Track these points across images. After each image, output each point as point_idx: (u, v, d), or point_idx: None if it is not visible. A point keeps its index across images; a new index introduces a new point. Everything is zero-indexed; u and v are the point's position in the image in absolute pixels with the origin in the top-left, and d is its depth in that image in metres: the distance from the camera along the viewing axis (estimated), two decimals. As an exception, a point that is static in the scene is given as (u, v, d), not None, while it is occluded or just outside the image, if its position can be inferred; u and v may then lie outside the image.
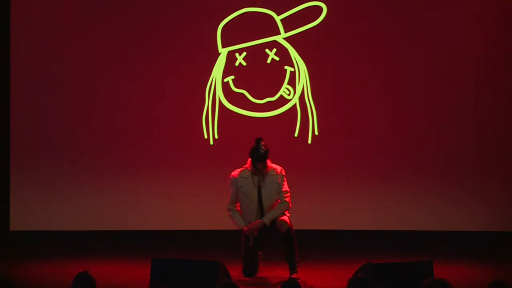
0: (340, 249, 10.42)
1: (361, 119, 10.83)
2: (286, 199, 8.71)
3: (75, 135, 10.81)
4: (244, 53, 10.79)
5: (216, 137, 10.81)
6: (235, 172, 8.78)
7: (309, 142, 10.82)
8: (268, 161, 8.68)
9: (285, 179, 8.75)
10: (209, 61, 10.80)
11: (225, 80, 10.81)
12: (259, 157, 8.59)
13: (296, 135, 10.83)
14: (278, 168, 8.75)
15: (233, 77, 10.81)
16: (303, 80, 10.80)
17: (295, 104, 10.82)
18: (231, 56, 10.81)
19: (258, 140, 8.64)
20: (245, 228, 8.65)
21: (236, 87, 10.81)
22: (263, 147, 8.58)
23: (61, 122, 10.81)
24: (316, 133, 10.81)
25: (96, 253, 10.08)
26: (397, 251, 10.11)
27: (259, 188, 8.70)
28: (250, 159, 8.71)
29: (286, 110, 10.83)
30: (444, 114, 10.81)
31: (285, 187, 8.74)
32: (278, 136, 10.79)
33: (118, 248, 10.40)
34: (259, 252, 8.86)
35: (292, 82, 10.82)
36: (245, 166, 8.75)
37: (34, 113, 10.80)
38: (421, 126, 10.82)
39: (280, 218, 8.67)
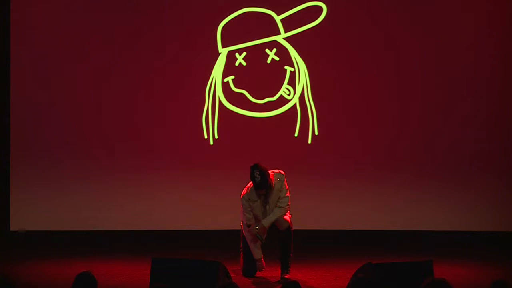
0: (340, 249, 10.42)
1: (361, 119, 10.83)
2: (284, 204, 8.64)
3: (75, 136, 10.81)
4: (244, 53, 10.79)
5: (216, 137, 10.81)
6: (245, 194, 8.63)
7: (309, 142, 10.82)
8: (270, 175, 8.60)
9: (285, 182, 8.68)
10: (209, 61, 10.81)
11: (225, 80, 10.81)
12: (257, 186, 8.50)
13: (296, 135, 10.83)
14: (277, 176, 8.67)
15: (233, 77, 10.81)
16: (303, 80, 10.81)
17: (295, 104, 10.82)
18: (231, 56, 10.81)
19: (253, 168, 8.43)
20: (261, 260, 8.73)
21: (236, 87, 10.82)
22: (257, 176, 8.40)
23: (61, 122, 10.81)
24: (316, 133, 10.82)
25: (96, 253, 10.08)
26: (397, 251, 10.11)
27: (266, 203, 8.66)
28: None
29: (286, 110, 10.83)
30: (445, 114, 10.81)
31: (285, 192, 8.67)
32: (278, 136, 10.80)
33: (118, 248, 10.40)
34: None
35: (292, 82, 10.82)
36: (250, 186, 8.61)
37: (34, 113, 10.80)
38: (421, 125, 10.83)
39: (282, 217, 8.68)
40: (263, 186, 8.46)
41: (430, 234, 10.81)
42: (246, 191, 8.65)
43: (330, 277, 8.82)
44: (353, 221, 10.80)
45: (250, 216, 8.63)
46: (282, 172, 8.69)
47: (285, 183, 8.65)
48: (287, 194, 8.65)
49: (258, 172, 8.41)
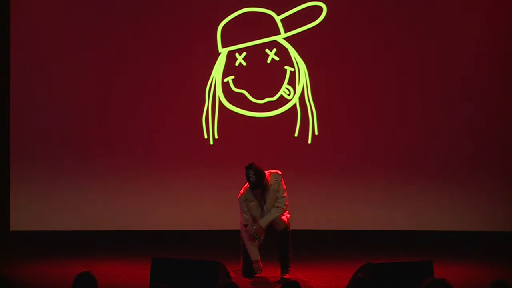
0: (340, 249, 10.42)
1: (361, 118, 10.83)
2: (282, 205, 8.63)
3: (75, 136, 10.81)
4: (244, 53, 10.79)
5: (216, 137, 10.81)
6: (242, 194, 8.65)
7: (309, 142, 10.82)
8: (267, 175, 8.60)
9: (282, 182, 8.66)
10: (209, 61, 10.80)
11: (225, 80, 10.81)
12: (253, 186, 8.50)
13: (296, 135, 10.83)
14: (274, 176, 8.67)
15: (233, 77, 10.81)
16: (303, 80, 10.81)
17: (295, 104, 10.82)
18: (231, 56, 10.81)
19: (247, 168, 8.44)
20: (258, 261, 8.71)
21: (236, 87, 10.82)
22: (252, 176, 8.41)
23: (61, 123, 10.81)
24: (316, 133, 10.81)
25: (96, 253, 10.08)
26: (397, 251, 10.11)
27: (263, 204, 8.65)
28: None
29: (286, 110, 10.83)
30: (446, 113, 10.81)
31: (282, 192, 8.65)
32: (278, 136, 10.80)
33: (118, 248, 10.40)
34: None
35: (292, 82, 10.82)
36: (247, 186, 8.61)
37: (34, 114, 10.80)
38: (421, 125, 10.83)
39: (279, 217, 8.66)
40: (258, 186, 8.47)
41: (430, 234, 10.81)
42: (243, 191, 8.66)
43: (330, 277, 8.82)
44: (353, 221, 10.80)
45: (247, 216, 8.65)
46: (279, 172, 8.68)
47: (282, 183, 8.64)
48: (284, 194, 8.64)
49: (252, 172, 8.42)
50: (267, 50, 10.81)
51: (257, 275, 8.75)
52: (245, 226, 8.66)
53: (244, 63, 10.80)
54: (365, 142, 10.84)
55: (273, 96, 10.82)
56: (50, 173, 10.80)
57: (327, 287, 8.40)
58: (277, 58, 10.82)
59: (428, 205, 10.79)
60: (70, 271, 8.36)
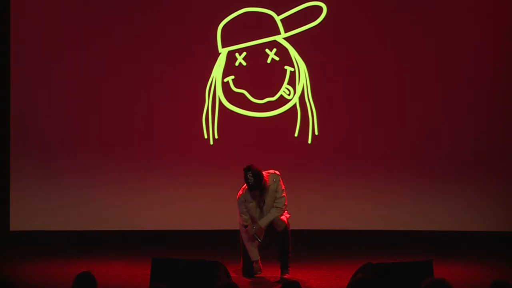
0: (340, 249, 10.42)
1: (361, 118, 10.83)
2: (281, 205, 8.63)
3: (75, 136, 10.81)
4: (244, 53, 10.79)
5: (216, 137, 10.81)
6: (240, 195, 8.66)
7: (309, 142, 10.82)
8: (265, 176, 8.60)
9: (281, 182, 8.65)
10: (209, 61, 10.81)
11: (225, 80, 10.81)
12: (251, 188, 8.50)
13: (296, 135, 10.83)
14: (273, 177, 8.67)
15: (233, 77, 10.81)
16: (303, 80, 10.81)
17: (295, 104, 10.82)
18: (231, 56, 10.81)
19: (246, 170, 8.43)
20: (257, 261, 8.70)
21: (236, 87, 10.82)
22: (250, 178, 8.41)
23: (61, 123, 10.81)
24: (316, 133, 10.82)
25: (96, 253, 10.08)
26: (397, 251, 10.11)
27: (263, 204, 8.65)
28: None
29: (286, 110, 10.83)
30: (446, 113, 10.81)
31: (281, 193, 8.66)
32: (278, 136, 10.80)
33: (118, 248, 10.40)
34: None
35: (292, 82, 10.82)
36: (245, 187, 8.61)
37: (34, 114, 10.80)
38: (422, 125, 10.82)
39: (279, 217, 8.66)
40: (257, 187, 8.47)
41: (430, 234, 10.81)
42: (242, 192, 8.66)
43: (330, 277, 8.82)
44: (353, 221, 10.80)
45: (246, 217, 8.65)
46: (277, 172, 8.68)
47: (281, 183, 8.64)
48: (283, 195, 8.64)
49: (251, 174, 8.41)
50: (267, 50, 10.81)
51: (257, 275, 8.76)
52: (245, 227, 8.66)
53: (244, 63, 10.80)
54: (365, 142, 10.83)
55: (273, 96, 10.83)
56: (50, 172, 10.80)
57: (327, 287, 8.40)
58: (277, 58, 10.82)
59: (428, 205, 10.79)
60: (70, 271, 8.37)
